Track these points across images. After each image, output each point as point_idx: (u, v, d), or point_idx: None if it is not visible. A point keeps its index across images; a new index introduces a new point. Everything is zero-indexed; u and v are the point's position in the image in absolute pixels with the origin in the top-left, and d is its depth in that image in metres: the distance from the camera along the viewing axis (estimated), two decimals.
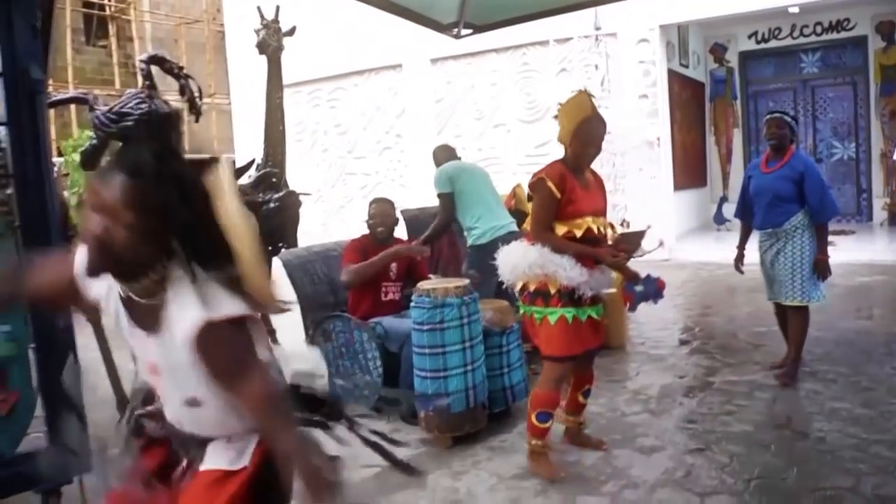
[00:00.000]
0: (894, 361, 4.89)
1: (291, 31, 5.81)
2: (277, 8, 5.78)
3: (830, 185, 11.67)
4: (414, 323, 3.92)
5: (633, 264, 3.61)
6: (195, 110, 5.12)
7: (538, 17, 6.13)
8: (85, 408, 3.29)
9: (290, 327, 4.45)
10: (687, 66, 11.98)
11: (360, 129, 12.68)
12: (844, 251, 8.66)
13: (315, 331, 4.62)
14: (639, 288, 3.49)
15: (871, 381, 4.50)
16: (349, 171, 12.84)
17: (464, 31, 6.03)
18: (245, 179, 4.93)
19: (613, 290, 5.57)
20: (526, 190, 4.77)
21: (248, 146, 12.94)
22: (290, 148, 6.00)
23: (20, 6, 3.03)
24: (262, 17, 5.73)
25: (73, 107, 13.84)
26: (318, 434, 1.82)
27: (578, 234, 3.36)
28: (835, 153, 12.09)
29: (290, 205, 4.92)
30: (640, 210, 10.33)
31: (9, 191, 3.07)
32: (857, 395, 4.25)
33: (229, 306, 1.47)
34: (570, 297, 3.35)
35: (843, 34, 11.70)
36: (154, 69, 5.10)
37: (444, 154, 5.71)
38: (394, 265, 4.51)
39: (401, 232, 5.05)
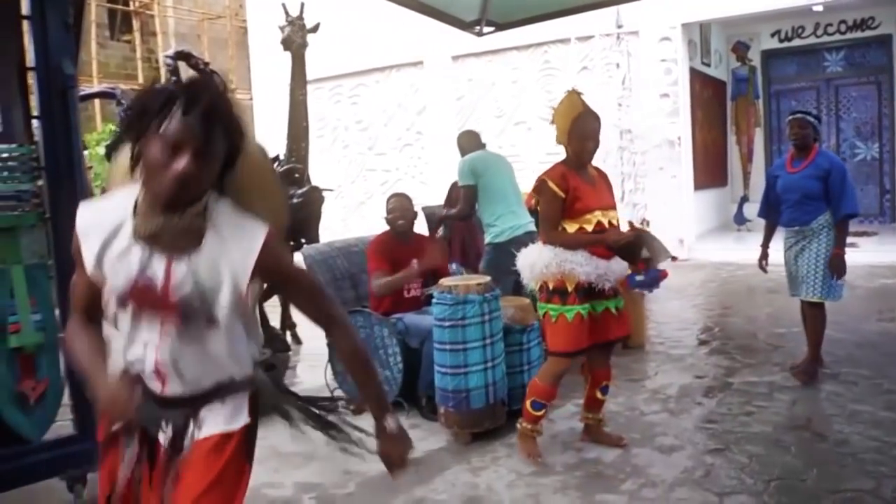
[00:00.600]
0: None
1: (315, 28, 5.86)
2: (302, 5, 5.82)
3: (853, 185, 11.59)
4: (435, 319, 3.95)
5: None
6: None
7: (560, 16, 6.14)
8: None
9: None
10: (709, 65, 11.91)
11: (381, 125, 12.73)
12: (867, 252, 8.61)
13: None
14: (639, 278, 3.51)
15: (893, 383, 4.48)
16: (369, 167, 12.88)
17: (486, 29, 6.05)
18: None
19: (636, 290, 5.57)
20: None
21: (270, 141, 13.03)
22: (312, 144, 6.04)
23: (53, 2, 3.08)
24: (287, 13, 5.78)
25: (97, 100, 13.97)
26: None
27: (589, 229, 3.47)
28: (858, 153, 11.99)
29: (313, 200, 4.96)
30: (661, 209, 10.31)
31: (40, 182, 3.13)
32: (879, 398, 4.24)
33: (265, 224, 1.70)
34: (587, 292, 3.44)
35: (868, 33, 11.60)
36: (180, 64, 5.17)
37: (470, 141, 5.69)
38: (415, 262, 4.54)
39: (420, 227, 5.07)
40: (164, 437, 1.72)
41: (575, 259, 3.40)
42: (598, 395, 3.76)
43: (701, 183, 11.25)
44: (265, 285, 1.88)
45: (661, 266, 3.54)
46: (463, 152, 5.58)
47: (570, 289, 3.42)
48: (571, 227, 3.47)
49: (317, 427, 2.06)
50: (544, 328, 3.68)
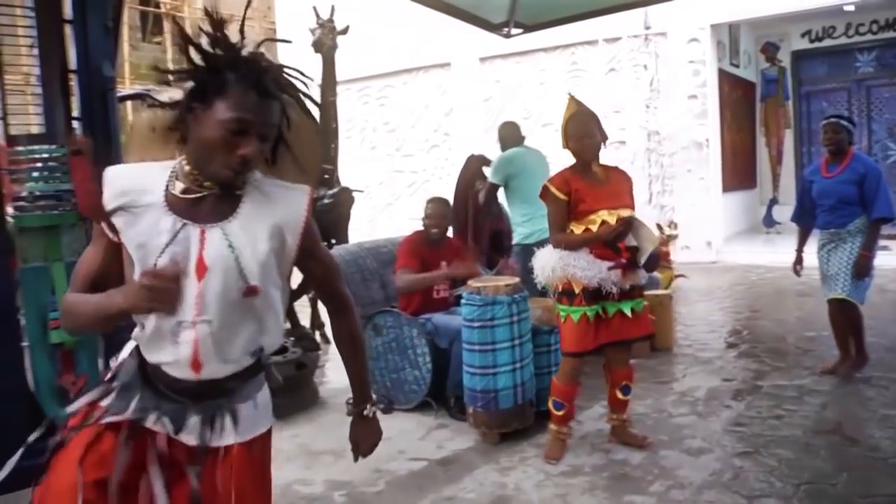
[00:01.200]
0: None
1: (345, 30, 5.91)
2: (332, 7, 5.88)
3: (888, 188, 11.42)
4: (465, 320, 3.98)
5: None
6: None
7: (588, 17, 6.13)
8: None
9: None
10: (738, 66, 11.82)
11: (409, 126, 12.77)
12: None
13: (366, 325, 4.70)
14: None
15: None
16: (397, 168, 12.93)
17: (514, 31, 6.07)
18: None
19: (664, 292, 5.60)
20: None
21: None
22: (340, 145, 6.09)
23: (94, 5, 3.16)
24: (317, 16, 5.84)
25: (128, 102, 14.16)
26: None
27: (594, 228, 3.50)
28: (890, 155, 11.82)
29: (344, 201, 5.01)
30: (688, 212, 10.26)
31: None
32: None
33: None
34: (595, 294, 3.49)
35: None
36: None
37: (510, 133, 5.70)
38: (444, 263, 4.57)
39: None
40: (187, 436, 1.64)
41: (578, 263, 3.47)
42: (619, 394, 3.78)
43: (729, 185, 11.16)
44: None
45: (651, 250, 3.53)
46: (503, 144, 5.61)
47: (576, 290, 3.50)
48: (578, 229, 3.53)
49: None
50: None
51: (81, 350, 3.21)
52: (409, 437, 4.13)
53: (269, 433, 1.78)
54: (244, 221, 1.60)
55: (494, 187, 5.37)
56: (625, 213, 3.52)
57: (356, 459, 2.00)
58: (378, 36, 11.73)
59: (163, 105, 4.76)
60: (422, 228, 4.76)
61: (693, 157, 10.38)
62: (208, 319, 1.57)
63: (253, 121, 1.52)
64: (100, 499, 1.57)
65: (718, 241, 10.54)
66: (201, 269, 1.56)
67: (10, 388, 3.02)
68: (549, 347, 4.24)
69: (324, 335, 6.35)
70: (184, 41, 1.55)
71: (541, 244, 4.60)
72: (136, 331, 1.65)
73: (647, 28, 10.39)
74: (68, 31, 3.16)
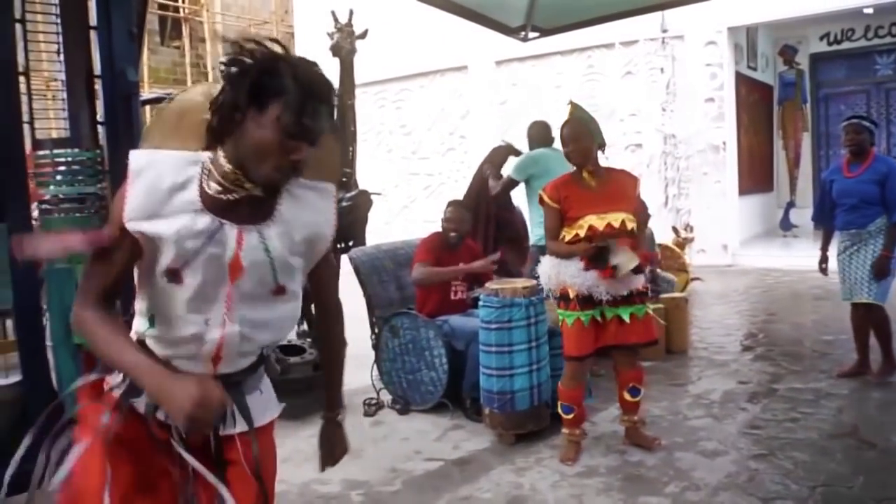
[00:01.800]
0: None
1: (364, 35, 5.94)
2: (351, 12, 5.91)
3: None
4: (482, 321, 4.02)
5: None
6: None
7: (605, 21, 6.16)
8: None
9: (355, 321, 4.59)
10: (755, 69, 11.79)
11: (425, 129, 12.83)
12: None
13: (383, 326, 4.75)
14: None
15: None
16: (413, 171, 13.00)
17: (531, 35, 6.09)
18: None
19: (679, 295, 5.60)
20: None
21: None
22: (358, 148, 6.12)
23: (119, 11, 3.22)
24: (336, 20, 5.87)
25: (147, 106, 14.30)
26: None
27: (581, 234, 3.57)
28: None
29: (362, 204, 5.04)
30: (705, 214, 10.25)
31: (101, 184, 3.26)
32: None
33: None
34: (588, 300, 3.58)
35: None
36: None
37: (539, 133, 5.72)
38: (462, 264, 4.61)
39: None
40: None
41: (568, 271, 3.57)
42: (627, 396, 3.81)
43: (746, 188, 11.14)
44: None
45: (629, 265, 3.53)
46: (531, 143, 5.63)
47: (571, 296, 3.59)
48: (569, 235, 3.61)
49: None
50: None
51: None
52: (425, 437, 4.16)
53: (273, 422, 1.80)
54: (281, 226, 1.61)
55: (513, 183, 5.40)
56: (616, 217, 3.55)
57: (323, 469, 2.00)
58: (395, 39, 11.79)
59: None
60: (440, 230, 4.80)
61: (709, 160, 10.37)
62: (236, 318, 1.58)
63: (309, 126, 1.51)
64: (129, 495, 1.59)
65: (735, 245, 10.51)
66: (236, 270, 1.56)
67: (35, 387, 3.08)
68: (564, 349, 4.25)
69: None
70: (244, 42, 1.53)
71: None
72: (143, 325, 1.61)
73: (664, 31, 10.39)
74: (93, 37, 3.23)
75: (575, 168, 3.72)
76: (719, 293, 8.17)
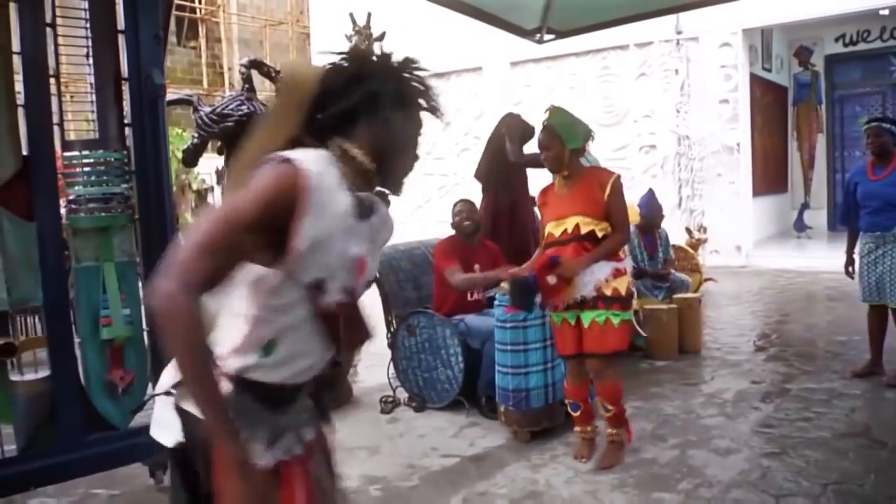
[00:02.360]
0: None
1: (381, 37, 6.02)
2: (369, 14, 6.00)
3: None
4: (497, 320, 4.08)
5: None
6: None
7: (621, 24, 6.19)
8: None
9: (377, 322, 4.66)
10: (770, 70, 11.79)
11: (440, 130, 12.89)
12: None
13: (399, 325, 4.82)
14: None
15: None
16: (427, 171, 13.05)
17: (546, 37, 6.14)
18: None
19: (693, 296, 5.64)
20: None
21: None
22: None
23: (145, 16, 3.31)
24: (354, 23, 5.96)
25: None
26: None
27: (544, 240, 3.70)
28: None
29: None
30: (718, 216, 10.27)
31: (126, 184, 3.34)
32: None
33: None
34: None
35: None
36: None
37: None
38: (477, 266, 4.67)
39: None
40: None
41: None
42: (602, 409, 3.69)
43: (760, 189, 11.15)
44: None
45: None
46: None
47: None
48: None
49: None
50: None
51: (130, 346, 3.36)
52: (441, 434, 4.23)
53: None
54: (377, 222, 1.60)
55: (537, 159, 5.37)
56: (571, 221, 3.53)
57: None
58: (410, 40, 11.84)
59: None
60: (453, 233, 4.85)
61: (724, 161, 10.39)
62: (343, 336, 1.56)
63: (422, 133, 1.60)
64: None
65: (748, 246, 10.53)
66: (361, 269, 1.54)
67: (63, 381, 3.16)
68: None
69: None
70: (379, 57, 1.57)
71: None
72: (251, 357, 1.45)
73: (679, 33, 10.42)
74: (121, 40, 3.32)
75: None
76: (733, 294, 8.20)
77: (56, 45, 3.20)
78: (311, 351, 1.51)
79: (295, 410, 1.57)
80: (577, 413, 3.77)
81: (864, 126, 4.83)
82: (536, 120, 4.11)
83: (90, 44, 3.28)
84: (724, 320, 6.91)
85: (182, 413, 1.44)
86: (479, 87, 12.39)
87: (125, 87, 3.32)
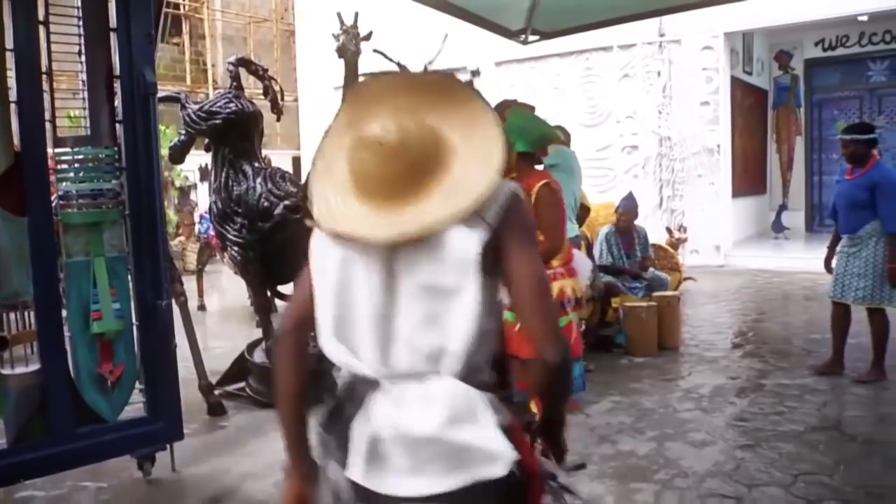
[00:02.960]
0: None
1: (368, 36, 6.08)
2: (356, 14, 6.06)
3: None
4: None
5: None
6: (277, 109, 5.46)
7: (604, 26, 6.31)
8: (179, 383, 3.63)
9: None
10: (750, 73, 11.97)
11: None
12: None
13: None
14: None
15: None
16: None
17: (531, 38, 6.23)
18: None
19: (672, 293, 5.75)
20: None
21: (313, 142, 13.33)
22: None
23: (137, 15, 3.36)
24: (341, 22, 6.01)
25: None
26: None
27: None
28: None
29: None
30: (698, 216, 10.42)
31: (116, 180, 3.39)
32: None
33: None
34: None
35: None
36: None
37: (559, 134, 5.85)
38: None
39: None
40: None
41: None
42: None
43: (739, 190, 11.32)
44: None
45: None
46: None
47: None
48: None
49: None
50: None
51: (119, 340, 3.41)
52: None
53: None
54: None
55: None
56: None
57: None
58: (396, 40, 11.92)
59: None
60: None
61: (704, 162, 10.55)
62: None
63: None
64: None
65: (727, 246, 10.69)
66: None
67: (53, 375, 3.21)
68: None
69: None
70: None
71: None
72: None
73: (662, 35, 10.56)
74: (113, 39, 3.37)
75: None
76: (711, 293, 8.34)
77: (49, 42, 3.24)
78: None
79: None
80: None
81: (838, 136, 5.00)
82: None
83: (83, 42, 3.34)
84: (702, 318, 7.04)
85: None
86: None
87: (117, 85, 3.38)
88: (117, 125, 3.40)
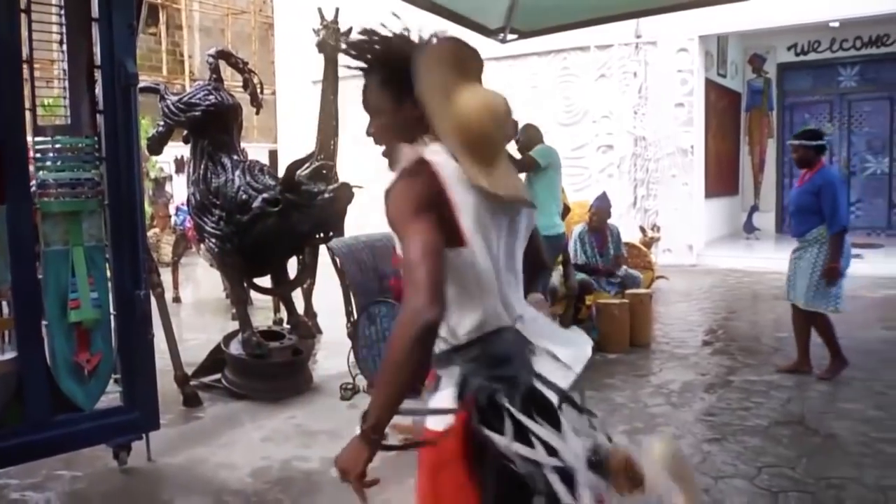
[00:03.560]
0: None
1: (348, 32, 6.10)
2: (337, 10, 6.08)
3: (862, 198, 11.80)
4: None
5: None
6: (257, 103, 5.48)
7: (582, 26, 6.37)
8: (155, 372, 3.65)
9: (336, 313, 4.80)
10: (724, 76, 12.14)
11: None
12: (872, 263, 8.82)
13: (360, 315, 4.94)
14: None
15: (886, 386, 4.75)
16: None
17: (509, 37, 6.29)
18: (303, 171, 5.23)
19: (644, 291, 5.85)
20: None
21: (290, 136, 13.31)
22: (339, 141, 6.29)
23: (119, 6, 3.38)
24: (322, 17, 6.03)
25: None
26: None
27: None
28: (868, 167, 12.20)
29: (343, 196, 5.22)
30: (671, 216, 10.56)
31: (96, 170, 3.40)
32: (870, 398, 4.50)
33: None
34: None
35: (883, 49, 11.83)
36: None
37: (538, 134, 5.91)
38: None
39: None
40: None
41: None
42: None
43: (712, 191, 11.49)
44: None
45: None
46: (531, 142, 5.76)
47: None
48: None
49: None
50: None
51: (97, 329, 3.42)
52: (400, 420, 4.35)
53: None
54: None
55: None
56: None
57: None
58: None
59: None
60: None
61: (678, 162, 10.69)
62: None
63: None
64: None
65: (699, 245, 10.85)
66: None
67: (30, 362, 3.21)
68: None
69: (315, 324, 6.56)
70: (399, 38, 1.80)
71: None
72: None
73: (638, 37, 10.68)
74: (95, 29, 3.38)
75: None
76: (683, 291, 8.47)
77: (30, 31, 3.24)
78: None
79: None
80: None
81: (788, 141, 5.16)
82: None
83: (64, 31, 3.34)
84: (673, 316, 7.17)
85: None
86: None
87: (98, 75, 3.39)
88: (97, 115, 3.42)
